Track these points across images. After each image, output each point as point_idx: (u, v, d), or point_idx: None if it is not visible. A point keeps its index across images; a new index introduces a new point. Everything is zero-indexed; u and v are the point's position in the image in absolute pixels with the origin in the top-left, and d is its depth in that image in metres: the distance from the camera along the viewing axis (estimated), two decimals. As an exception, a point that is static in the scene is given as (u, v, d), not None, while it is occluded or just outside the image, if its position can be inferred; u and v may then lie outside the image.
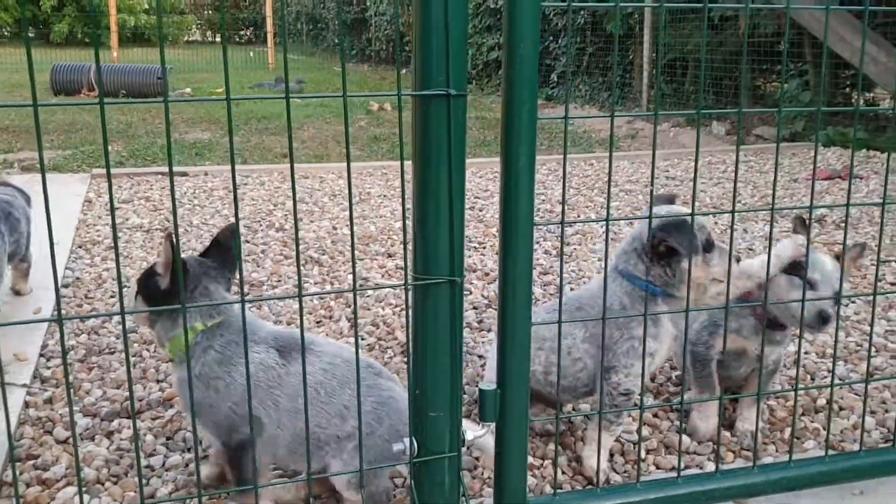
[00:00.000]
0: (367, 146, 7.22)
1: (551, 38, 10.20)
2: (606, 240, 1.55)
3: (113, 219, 1.19)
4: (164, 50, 1.36)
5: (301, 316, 1.35)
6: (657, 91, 1.59)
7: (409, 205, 1.45)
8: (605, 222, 1.53)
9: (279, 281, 3.30)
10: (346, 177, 1.43)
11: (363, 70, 15.83)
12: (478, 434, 1.62)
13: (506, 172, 1.51)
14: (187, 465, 1.96)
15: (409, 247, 1.48)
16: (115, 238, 1.24)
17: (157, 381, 2.39)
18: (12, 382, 2.36)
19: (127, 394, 2.31)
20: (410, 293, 1.49)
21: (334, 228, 4.16)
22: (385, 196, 4.96)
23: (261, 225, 4.18)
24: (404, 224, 1.46)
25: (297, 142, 7.29)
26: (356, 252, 3.73)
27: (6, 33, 19.94)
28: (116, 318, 2.83)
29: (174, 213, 1.21)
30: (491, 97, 11.07)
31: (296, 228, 1.23)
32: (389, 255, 3.70)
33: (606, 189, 1.50)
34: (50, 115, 8.19)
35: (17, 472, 1.92)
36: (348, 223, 4.27)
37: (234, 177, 1.27)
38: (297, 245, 1.28)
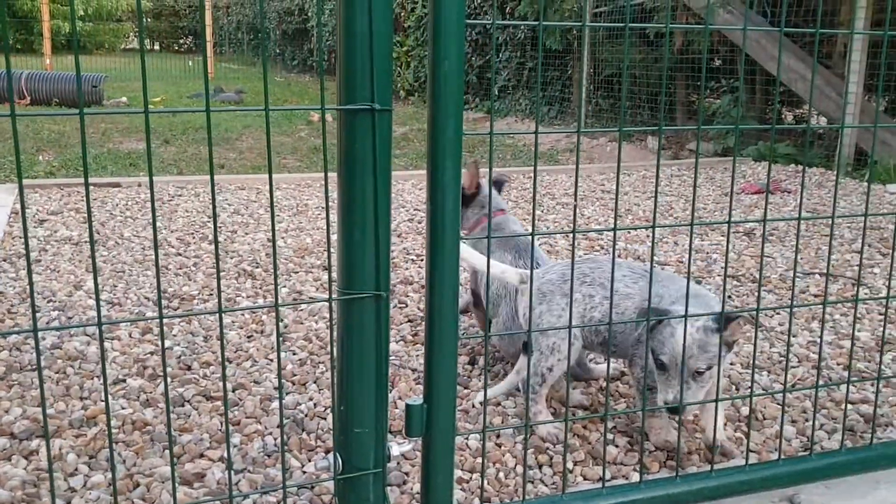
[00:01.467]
0: (306, 157, 7.18)
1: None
2: (532, 254, 1.56)
3: (25, 234, 1.16)
4: (79, 59, 1.33)
5: (221, 330, 1.33)
6: (580, 107, 1.62)
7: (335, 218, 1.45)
8: (530, 236, 1.55)
9: (211, 295, 3.24)
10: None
11: (304, 80, 15.74)
12: (403, 449, 1.62)
13: (432, 187, 1.52)
14: (110, 484, 1.91)
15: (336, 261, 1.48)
16: (28, 253, 1.21)
17: (81, 399, 2.32)
18: (-74, 401, 2.27)
19: (49, 412, 2.24)
20: (336, 308, 1.49)
21: (269, 241, 4.12)
22: (323, 208, 4.93)
23: (194, 237, 4.11)
24: (328, 238, 1.45)
25: (234, 152, 7.21)
26: (290, 265, 3.70)
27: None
28: (40, 334, 2.75)
29: (89, 224, 1.18)
30: (433, 110, 11.08)
31: (216, 245, 1.22)
32: (325, 269, 3.67)
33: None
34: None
35: (-73, 496, 1.84)
36: (283, 236, 4.24)
37: (152, 195, 1.25)
38: (217, 259, 1.26)
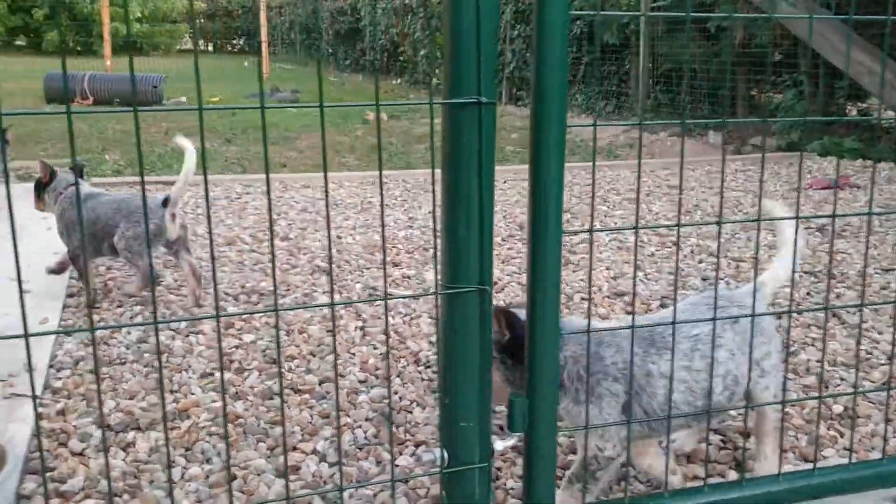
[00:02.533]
0: (365, 155, 7.22)
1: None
2: (635, 249, 1.55)
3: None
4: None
5: (333, 323, 1.34)
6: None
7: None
8: (634, 230, 1.54)
9: (287, 290, 3.29)
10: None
11: (357, 80, 15.84)
12: (506, 444, 1.62)
13: (535, 182, 1.51)
14: (207, 476, 1.94)
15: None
16: (149, 246, 1.23)
17: (172, 392, 2.37)
18: (23, 394, 2.34)
19: (142, 405, 2.29)
20: (440, 302, 1.49)
21: (338, 238, 4.15)
22: (387, 205, 4.95)
23: (265, 234, 4.17)
24: (435, 232, 1.45)
25: (294, 151, 7.28)
26: (362, 261, 3.73)
27: (-2, 42, 19.86)
28: (126, 329, 2.81)
29: (208, 220, 1.20)
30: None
31: (328, 242, 1.23)
32: (395, 265, 3.69)
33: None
34: (44, 123, 8.15)
35: (36, 486, 1.90)
36: (352, 232, 4.28)
37: (269, 194, 1.27)
38: (330, 252, 1.27)
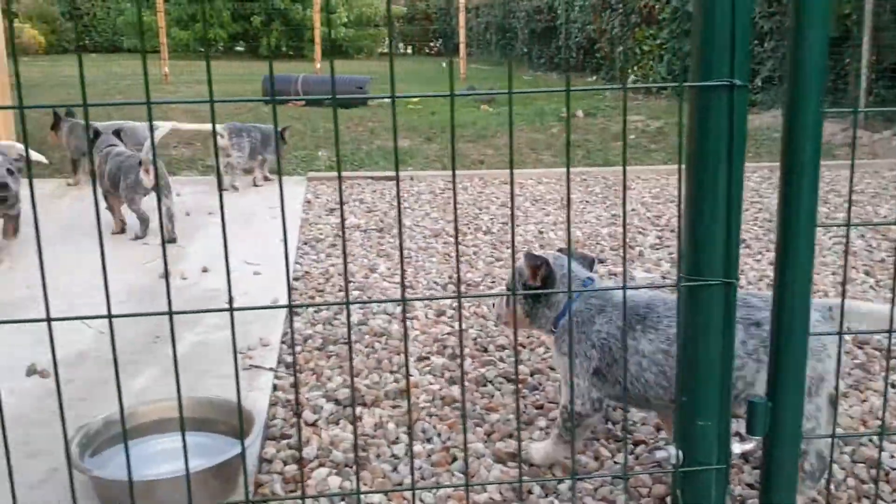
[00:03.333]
0: (561, 152, 7.18)
1: (756, 41, 9.72)
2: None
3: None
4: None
5: (571, 317, 1.33)
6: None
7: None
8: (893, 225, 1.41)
9: (493, 282, 3.33)
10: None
11: (552, 79, 15.81)
12: (745, 447, 1.54)
13: (787, 170, 1.43)
14: (429, 455, 2.01)
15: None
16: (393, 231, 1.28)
17: (391, 372, 2.47)
18: (260, 366, 2.52)
19: (365, 382, 2.40)
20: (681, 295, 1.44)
21: (540, 233, 4.15)
22: (587, 202, 4.90)
23: (469, 228, 4.25)
24: (679, 223, 1.41)
25: (491, 149, 7.38)
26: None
27: (220, 48, 21.64)
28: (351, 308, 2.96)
29: (454, 211, 1.23)
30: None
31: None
32: (600, 261, 3.63)
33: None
34: (261, 122, 8.77)
35: (276, 451, 2.04)
36: (553, 228, 4.27)
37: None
38: (570, 242, 1.26)
